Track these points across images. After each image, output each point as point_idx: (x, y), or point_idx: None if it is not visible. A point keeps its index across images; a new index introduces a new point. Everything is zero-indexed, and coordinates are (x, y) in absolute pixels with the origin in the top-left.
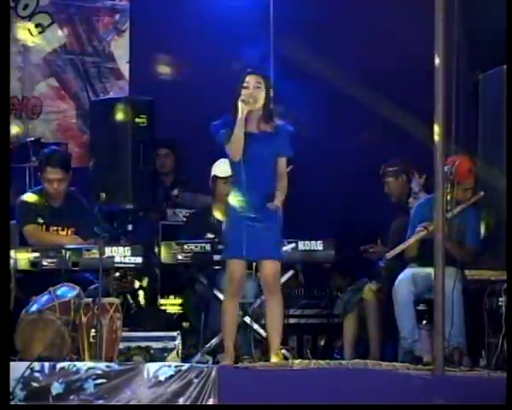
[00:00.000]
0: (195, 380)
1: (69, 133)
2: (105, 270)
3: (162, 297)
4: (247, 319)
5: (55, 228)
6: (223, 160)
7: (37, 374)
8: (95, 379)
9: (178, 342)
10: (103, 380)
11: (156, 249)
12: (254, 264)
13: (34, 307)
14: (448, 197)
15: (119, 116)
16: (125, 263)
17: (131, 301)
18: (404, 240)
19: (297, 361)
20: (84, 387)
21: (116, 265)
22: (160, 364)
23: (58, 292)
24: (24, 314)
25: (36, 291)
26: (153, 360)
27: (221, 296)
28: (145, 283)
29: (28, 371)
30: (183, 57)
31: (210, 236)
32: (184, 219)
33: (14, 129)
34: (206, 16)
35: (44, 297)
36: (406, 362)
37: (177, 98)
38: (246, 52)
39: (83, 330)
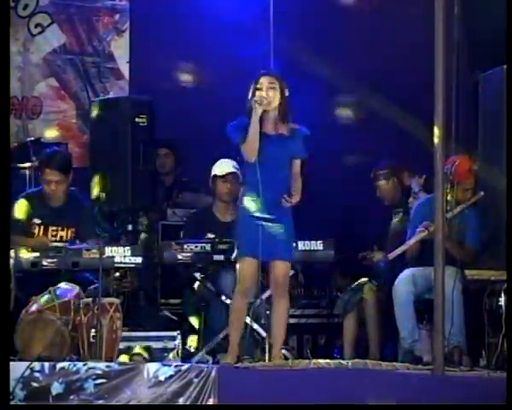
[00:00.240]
0: (195, 380)
1: (69, 133)
2: (105, 270)
3: (162, 297)
4: (248, 319)
5: (54, 228)
6: (223, 160)
7: (37, 374)
8: (95, 379)
9: (178, 342)
10: (103, 380)
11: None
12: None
13: (34, 307)
14: (448, 197)
15: (119, 116)
16: (125, 263)
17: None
18: (404, 240)
19: (297, 361)
20: (84, 387)
21: (116, 265)
22: (160, 364)
23: (58, 292)
24: (24, 314)
25: (36, 291)
26: (152, 360)
27: (223, 297)
28: (145, 283)
29: (28, 371)
30: (183, 57)
31: (210, 236)
32: (184, 219)
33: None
34: (206, 16)
35: (44, 297)
36: (406, 362)
37: (177, 98)
38: (246, 52)
39: (83, 330)
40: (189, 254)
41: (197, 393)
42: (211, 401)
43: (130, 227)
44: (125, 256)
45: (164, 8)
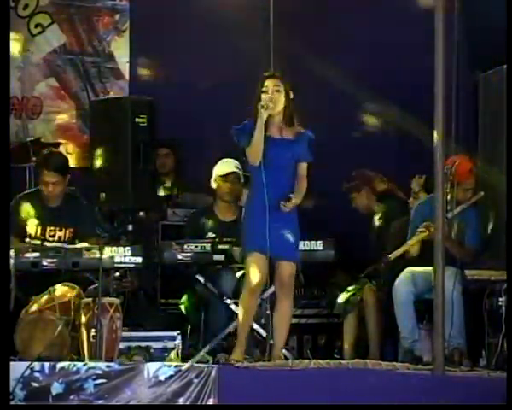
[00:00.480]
0: (195, 380)
1: (69, 133)
2: (105, 270)
3: (162, 297)
4: None
5: (52, 228)
6: (225, 159)
7: (37, 374)
8: (95, 379)
9: (178, 342)
10: (103, 380)
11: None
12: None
13: (34, 307)
14: (448, 197)
15: (119, 116)
16: (125, 263)
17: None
18: (405, 240)
19: (297, 361)
20: (84, 387)
21: (116, 265)
22: (160, 364)
23: (58, 292)
24: (24, 314)
25: (36, 291)
26: (152, 360)
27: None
28: (145, 283)
29: (28, 371)
30: (183, 57)
31: (211, 235)
32: (186, 219)
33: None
34: (206, 16)
35: (44, 297)
36: (406, 362)
37: (177, 98)
38: (246, 51)
39: (83, 330)
40: (189, 254)
41: (197, 393)
42: (211, 401)
43: (130, 227)
44: (125, 256)
45: (164, 8)
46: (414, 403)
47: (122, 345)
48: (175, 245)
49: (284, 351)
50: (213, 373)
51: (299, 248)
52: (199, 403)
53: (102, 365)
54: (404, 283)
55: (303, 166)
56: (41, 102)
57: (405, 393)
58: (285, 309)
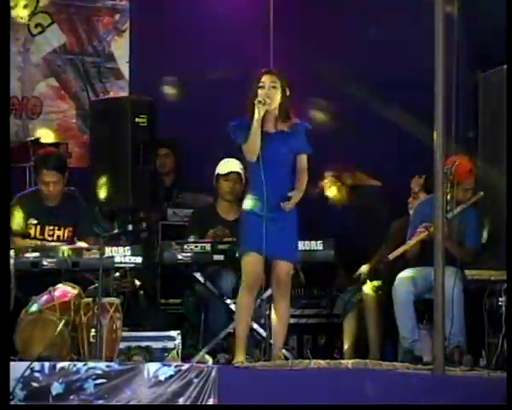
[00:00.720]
0: (195, 380)
1: (69, 133)
2: (105, 270)
3: (162, 297)
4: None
5: (51, 227)
6: (227, 159)
7: (37, 374)
8: (95, 379)
9: (178, 342)
10: (103, 380)
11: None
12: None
13: (34, 307)
14: (448, 197)
15: (119, 116)
16: (125, 263)
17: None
18: (404, 240)
19: (297, 361)
20: (84, 387)
21: (116, 265)
22: (160, 364)
23: (58, 292)
24: (24, 314)
25: (36, 291)
26: (152, 360)
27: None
28: (145, 283)
29: (28, 371)
30: (183, 57)
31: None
32: (187, 218)
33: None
34: (206, 16)
35: (44, 297)
36: (406, 362)
37: (177, 98)
38: (246, 51)
39: (83, 330)
40: (189, 254)
41: (197, 393)
42: (211, 401)
43: (130, 227)
44: (124, 256)
45: (164, 8)
46: (414, 403)
47: (122, 345)
48: (175, 245)
49: (284, 351)
50: (213, 373)
51: (299, 248)
52: (199, 403)
53: (102, 365)
54: (404, 283)
55: (303, 159)
56: (41, 102)
57: (405, 393)
58: (282, 310)
